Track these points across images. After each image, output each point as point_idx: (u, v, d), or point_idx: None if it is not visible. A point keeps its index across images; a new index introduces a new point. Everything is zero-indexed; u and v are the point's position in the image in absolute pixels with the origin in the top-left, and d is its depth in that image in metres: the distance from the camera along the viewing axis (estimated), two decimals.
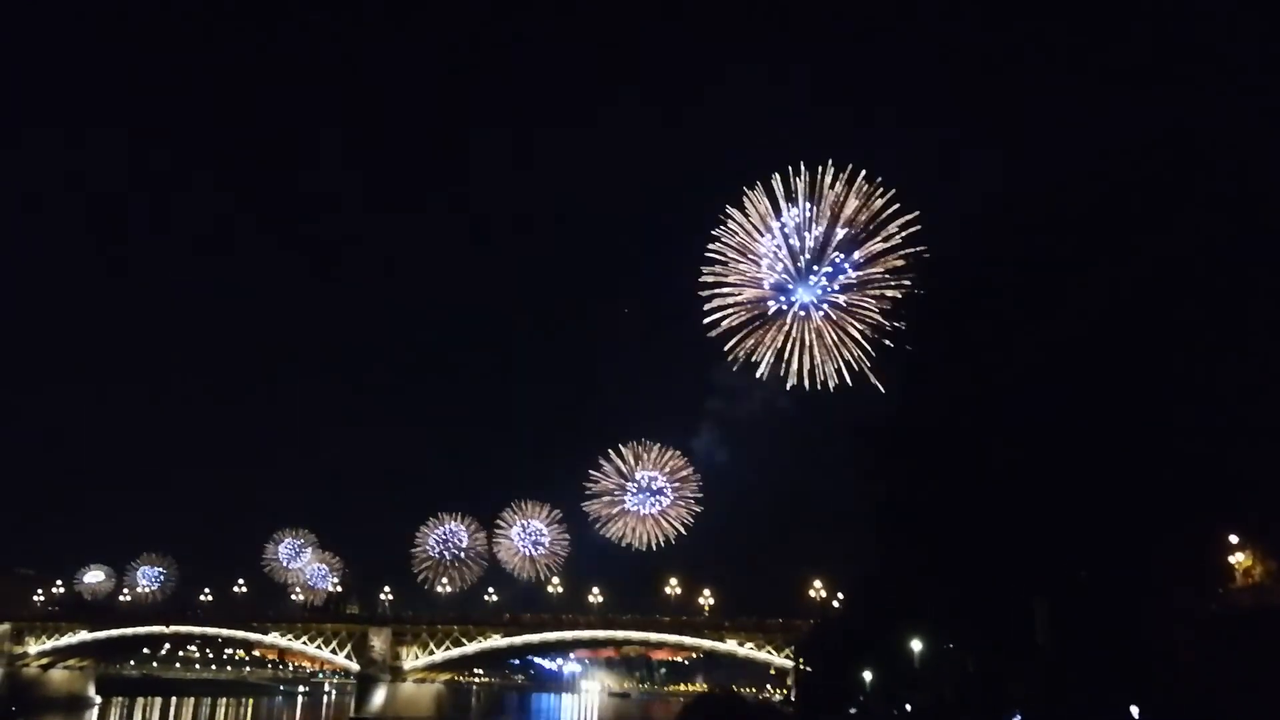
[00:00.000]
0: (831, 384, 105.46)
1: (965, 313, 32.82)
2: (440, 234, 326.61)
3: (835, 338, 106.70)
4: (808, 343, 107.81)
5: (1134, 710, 33.68)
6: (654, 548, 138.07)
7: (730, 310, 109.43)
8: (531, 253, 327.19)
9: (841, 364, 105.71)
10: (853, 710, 60.52)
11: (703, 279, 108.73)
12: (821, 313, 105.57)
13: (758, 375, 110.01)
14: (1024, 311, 30.59)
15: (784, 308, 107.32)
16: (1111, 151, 30.91)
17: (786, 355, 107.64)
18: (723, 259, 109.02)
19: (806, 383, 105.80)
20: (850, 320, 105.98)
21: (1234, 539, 38.07)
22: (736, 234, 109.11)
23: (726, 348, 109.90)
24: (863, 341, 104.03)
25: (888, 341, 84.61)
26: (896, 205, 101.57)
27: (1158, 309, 27.90)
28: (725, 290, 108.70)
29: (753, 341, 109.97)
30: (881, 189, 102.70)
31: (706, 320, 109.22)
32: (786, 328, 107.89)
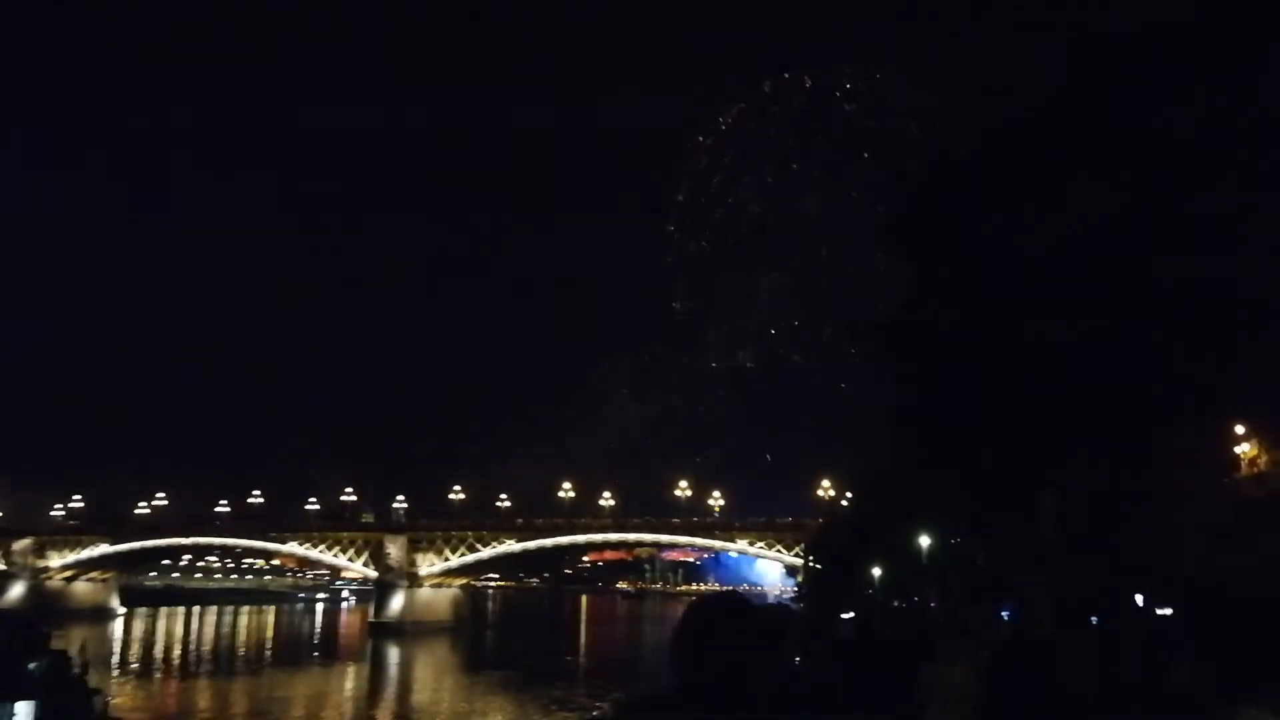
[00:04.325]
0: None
1: (968, 203, 32.30)
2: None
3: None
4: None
5: (1138, 598, 33.98)
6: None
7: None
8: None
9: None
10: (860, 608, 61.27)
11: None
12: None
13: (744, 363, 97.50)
14: (1030, 200, 30.08)
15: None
16: (1119, 34, 30.08)
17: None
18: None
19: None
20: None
21: (1240, 429, 38.01)
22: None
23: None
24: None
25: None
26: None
27: (1167, 199, 27.36)
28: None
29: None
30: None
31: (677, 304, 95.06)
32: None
